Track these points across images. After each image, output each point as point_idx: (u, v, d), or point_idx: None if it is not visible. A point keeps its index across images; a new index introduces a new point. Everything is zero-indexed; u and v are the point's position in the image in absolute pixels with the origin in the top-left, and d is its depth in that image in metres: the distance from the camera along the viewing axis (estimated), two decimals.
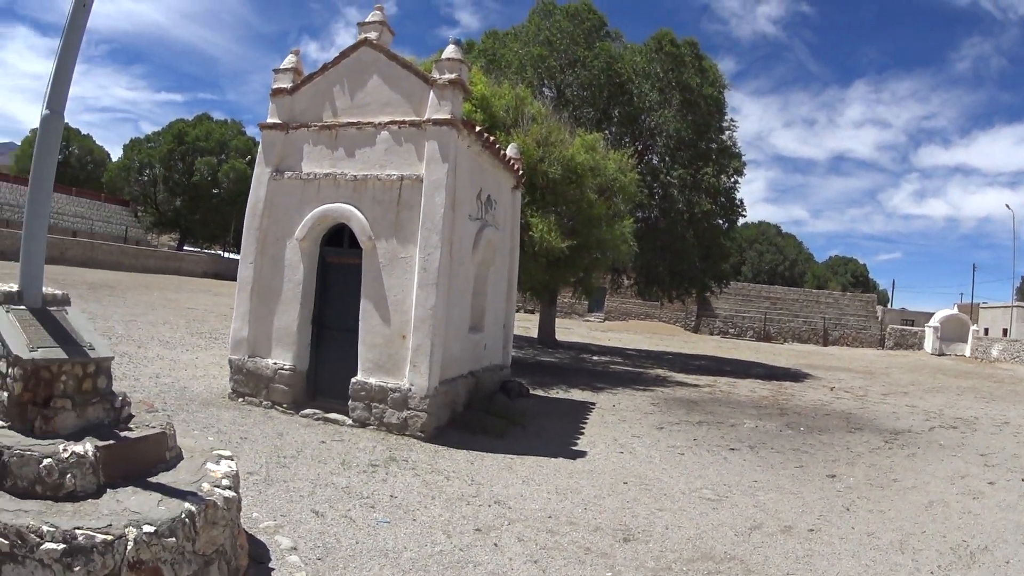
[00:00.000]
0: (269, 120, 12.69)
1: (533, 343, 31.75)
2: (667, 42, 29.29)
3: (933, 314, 58.36)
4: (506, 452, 10.90)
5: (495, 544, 6.92)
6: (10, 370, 5.18)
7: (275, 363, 12.04)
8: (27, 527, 4.32)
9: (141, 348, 16.57)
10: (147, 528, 4.56)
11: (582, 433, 13.15)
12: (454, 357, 12.32)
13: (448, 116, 11.29)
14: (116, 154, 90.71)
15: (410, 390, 11.05)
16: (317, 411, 11.71)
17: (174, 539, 4.69)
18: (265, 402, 12.00)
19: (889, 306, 74.92)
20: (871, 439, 14.53)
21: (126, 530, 4.48)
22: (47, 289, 5.90)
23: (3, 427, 5.14)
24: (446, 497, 8.29)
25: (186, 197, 74.42)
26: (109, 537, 4.40)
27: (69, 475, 4.80)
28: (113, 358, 5.91)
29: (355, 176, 11.71)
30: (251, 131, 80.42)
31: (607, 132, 29.05)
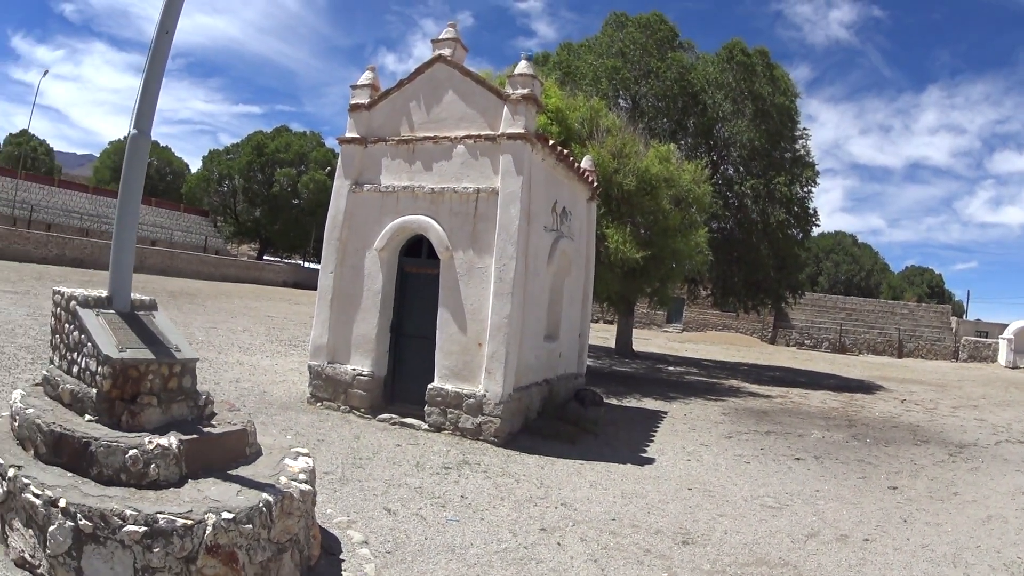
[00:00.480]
0: (348, 135, 13.11)
1: (611, 353, 31.87)
2: (738, 51, 29.25)
3: (1008, 325, 56.92)
4: (576, 458, 11.11)
5: (558, 543, 7.14)
6: (100, 368, 5.57)
7: (354, 369, 12.41)
8: (111, 510, 4.66)
9: (221, 354, 17.11)
10: (226, 515, 4.87)
11: (652, 441, 13.33)
12: (529, 365, 12.56)
13: (522, 130, 11.57)
14: (195, 165, 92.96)
15: (485, 396, 11.33)
16: (394, 416, 12.04)
17: (251, 526, 4.99)
18: (343, 407, 12.38)
19: (964, 317, 73.18)
20: (936, 452, 14.42)
21: (206, 516, 4.80)
22: (135, 295, 6.37)
23: (91, 420, 5.54)
24: (515, 499, 8.54)
25: (266, 208, 75.97)
26: (189, 522, 4.72)
27: (153, 465, 5.15)
28: (198, 359, 6.34)
29: (433, 189, 12.06)
30: (330, 143, 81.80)
31: (682, 143, 29.12)
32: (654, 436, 13.81)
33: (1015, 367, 50.89)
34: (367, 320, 12.48)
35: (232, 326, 23.43)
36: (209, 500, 5.02)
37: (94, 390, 5.63)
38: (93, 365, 5.67)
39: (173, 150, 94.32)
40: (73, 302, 6.06)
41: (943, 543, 8.29)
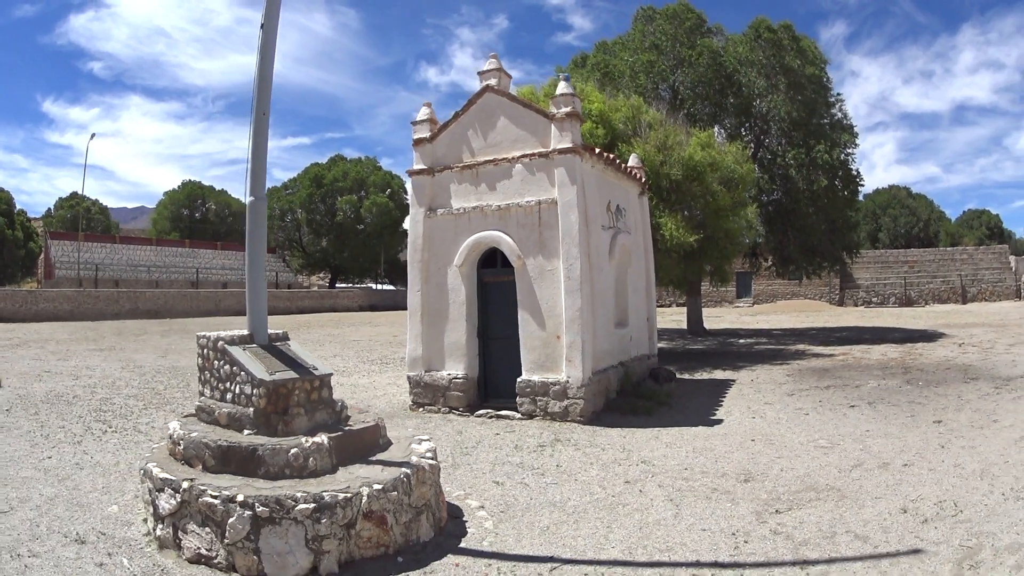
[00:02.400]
0: (416, 167, 14.66)
1: (683, 334, 33.12)
2: (764, 29, 30.05)
3: None
4: (653, 426, 12.51)
5: (640, 491, 8.53)
6: (255, 391, 6.96)
7: (449, 374, 13.94)
8: (285, 495, 5.95)
9: None
10: (376, 486, 6.35)
11: (720, 405, 14.64)
12: (604, 350, 14.00)
13: (570, 145, 13.00)
14: None
15: (568, 382, 12.78)
16: (489, 410, 13.56)
17: (396, 493, 6.50)
18: (443, 408, 13.91)
19: None
20: (983, 387, 15.40)
21: (360, 489, 6.26)
22: (270, 330, 7.97)
23: (250, 434, 6.90)
24: (602, 462, 9.98)
25: (331, 236, 77.82)
26: (348, 494, 6.14)
27: (311, 459, 6.59)
28: (332, 374, 7.94)
29: (499, 206, 13.55)
30: (386, 164, 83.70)
31: (725, 123, 30.23)
32: (722, 401, 15.12)
33: None
34: (456, 329, 13.97)
35: (322, 353, 25.10)
36: (360, 478, 6.50)
37: (251, 409, 7.00)
38: (248, 389, 7.05)
39: (229, 192, 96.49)
40: (221, 342, 7.42)
41: (974, 462, 9.36)
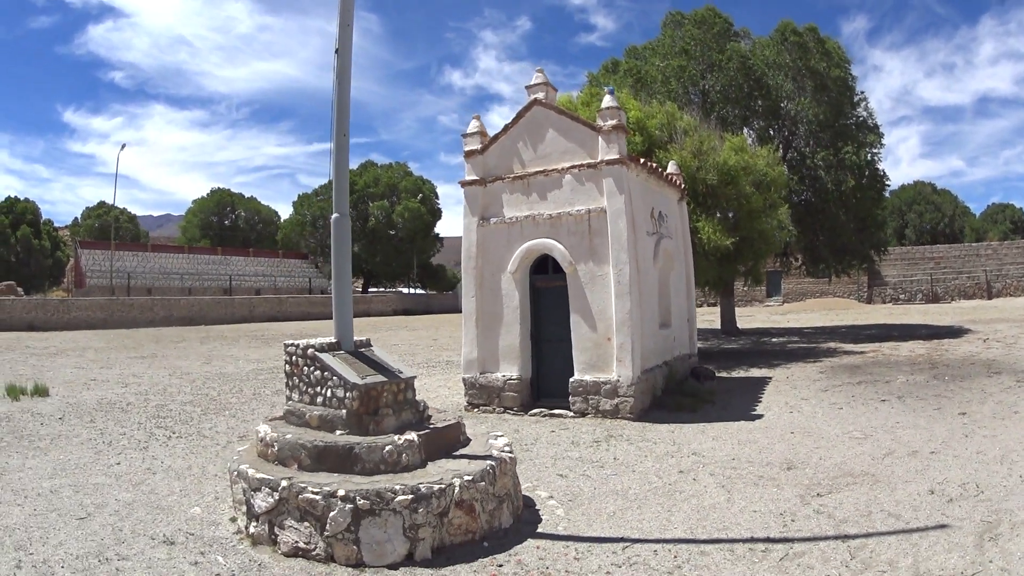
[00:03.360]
0: (468, 177, 15.35)
1: (717, 334, 33.68)
2: (790, 32, 30.66)
3: None
4: (699, 422, 13.27)
5: (693, 479, 9.28)
6: (347, 394, 7.48)
7: (503, 375, 14.63)
8: (385, 488, 6.47)
9: None
10: (466, 477, 6.94)
11: (759, 401, 15.37)
12: (650, 350, 14.68)
13: (617, 156, 13.69)
14: (281, 210, 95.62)
15: (618, 381, 13.47)
16: (543, 409, 14.25)
17: (483, 483, 7.09)
18: (498, 408, 14.59)
19: None
20: (1005, 381, 16.20)
21: (452, 480, 6.82)
22: (356, 337, 8.55)
23: (342, 434, 7.40)
24: (655, 455, 10.73)
25: (364, 242, 78.24)
26: (442, 485, 6.68)
27: (404, 455, 7.14)
28: (416, 377, 8.66)
29: (550, 215, 14.24)
30: (416, 170, 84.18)
31: (754, 125, 30.84)
32: (761, 398, 15.84)
33: None
34: (510, 332, 14.65)
35: None
36: (450, 471, 7.10)
37: (343, 411, 7.50)
38: (340, 392, 7.55)
39: (259, 199, 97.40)
40: (311, 349, 7.92)
41: (995, 449, 10.23)
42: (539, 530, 7.40)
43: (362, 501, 6.39)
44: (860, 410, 13.82)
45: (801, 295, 64.23)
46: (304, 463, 7.21)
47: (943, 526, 7.12)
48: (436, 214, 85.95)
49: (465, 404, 15.13)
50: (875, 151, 31.29)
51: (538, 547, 6.87)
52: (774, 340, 31.12)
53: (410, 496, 6.49)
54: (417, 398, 8.39)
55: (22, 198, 66.47)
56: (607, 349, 13.65)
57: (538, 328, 14.79)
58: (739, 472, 9.60)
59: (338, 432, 7.48)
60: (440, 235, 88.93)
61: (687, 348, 18.08)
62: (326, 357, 7.85)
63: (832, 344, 27.87)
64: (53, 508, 7.94)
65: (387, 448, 7.12)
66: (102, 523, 7.46)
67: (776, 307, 61.66)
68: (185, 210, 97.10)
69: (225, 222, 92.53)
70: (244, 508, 7.12)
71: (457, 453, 7.81)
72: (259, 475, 6.98)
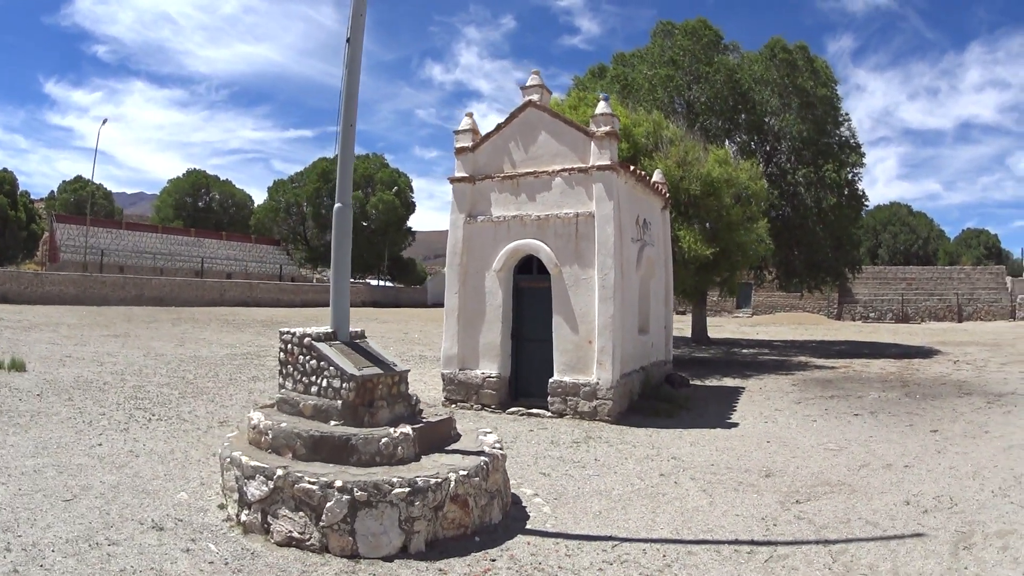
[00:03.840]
0: (457, 174, 15.39)
1: (688, 342, 33.86)
2: (779, 49, 31.05)
3: None
4: (676, 427, 13.46)
5: (675, 483, 9.50)
6: (344, 384, 7.52)
7: (482, 373, 14.70)
8: (383, 480, 6.52)
9: None
10: (462, 472, 7.02)
11: (734, 410, 15.66)
12: (629, 355, 14.80)
13: (608, 162, 13.82)
14: (254, 195, 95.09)
15: (598, 383, 13.60)
16: (520, 408, 14.35)
17: (477, 479, 7.19)
18: (475, 405, 14.66)
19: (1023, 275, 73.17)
20: (976, 401, 16.64)
21: (448, 474, 6.91)
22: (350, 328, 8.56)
23: (336, 425, 7.43)
24: (636, 457, 10.94)
25: None
26: (439, 479, 6.76)
27: (400, 447, 7.21)
28: (409, 371, 8.62)
29: (538, 216, 14.34)
30: (391, 162, 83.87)
31: (736, 138, 31.15)
32: (736, 407, 16.13)
33: None
34: (492, 330, 14.73)
35: None
36: (445, 465, 7.18)
37: (339, 402, 7.53)
38: (337, 383, 7.57)
39: (234, 182, 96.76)
40: (307, 338, 7.93)
41: (967, 465, 10.56)
42: (528, 527, 7.51)
43: (359, 492, 6.43)
44: (834, 423, 14.14)
45: (771, 308, 64.73)
46: (299, 452, 7.22)
47: (919, 535, 7.42)
48: (410, 207, 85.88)
49: (442, 400, 15.15)
50: (856, 171, 31.73)
51: (529, 543, 6.98)
52: (744, 351, 31.50)
53: (407, 489, 6.54)
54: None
55: (0, 168, 65.54)
56: (588, 352, 13.77)
57: (519, 327, 14.88)
58: (719, 477, 9.84)
59: (332, 423, 7.51)
60: (412, 229, 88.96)
61: (663, 355, 18.28)
62: (323, 347, 7.87)
63: (803, 358, 28.28)
64: (38, 488, 7.84)
65: (383, 440, 7.17)
66: (89, 506, 7.38)
67: (745, 318, 62.10)
68: (159, 189, 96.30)
69: (199, 204, 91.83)
70: (236, 496, 7.12)
71: (449, 448, 7.89)
72: (253, 463, 6.97)
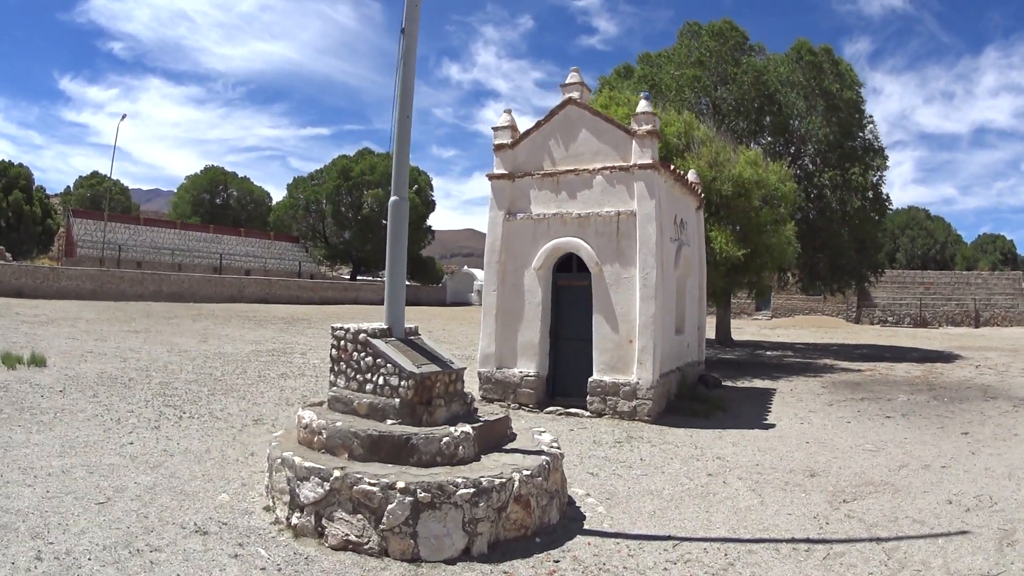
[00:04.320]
0: (496, 171, 15.39)
1: (712, 343, 33.66)
2: (805, 51, 31.05)
3: None
4: (714, 428, 13.48)
5: (724, 482, 9.55)
6: (402, 382, 7.35)
7: (520, 371, 14.70)
8: (447, 481, 6.36)
9: None
10: (525, 472, 6.92)
11: (769, 412, 15.68)
12: (667, 355, 14.79)
13: (650, 161, 13.81)
14: (272, 192, 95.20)
15: (638, 383, 13.58)
16: (558, 408, 14.32)
17: (540, 478, 7.10)
18: (512, 404, 14.62)
19: None
20: (1002, 405, 16.88)
21: (512, 475, 6.81)
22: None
23: (394, 423, 7.26)
24: (681, 457, 10.94)
25: (356, 229, 78.11)
26: (503, 480, 6.64)
27: (461, 447, 7.08)
28: (465, 368, 8.54)
29: (579, 214, 14.33)
30: (425, 160, 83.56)
31: (762, 140, 31.08)
32: (770, 408, 16.15)
33: None
34: (531, 329, 14.69)
35: None
36: (507, 465, 7.06)
37: (396, 400, 7.36)
38: (394, 380, 7.42)
39: (252, 179, 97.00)
40: (363, 334, 7.76)
41: (1001, 466, 10.85)
42: (585, 527, 7.46)
43: (423, 494, 6.28)
44: (867, 425, 14.23)
45: (790, 311, 64.56)
46: (356, 452, 7.05)
47: (965, 532, 7.65)
48: (430, 206, 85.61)
49: (479, 398, 14.94)
50: (880, 174, 31.67)
51: (589, 543, 6.93)
52: (768, 353, 31.51)
53: (472, 490, 6.43)
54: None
55: (15, 163, 65.72)
56: (628, 351, 13.76)
57: (557, 326, 14.86)
58: (765, 477, 9.91)
59: (389, 421, 7.36)
60: (432, 228, 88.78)
61: (696, 355, 18.28)
62: (380, 343, 7.73)
63: (827, 361, 28.27)
64: (68, 490, 7.54)
65: (444, 440, 7.05)
66: (125, 509, 7.10)
67: (765, 320, 61.96)
68: (175, 186, 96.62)
69: (216, 200, 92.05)
70: (286, 498, 6.92)
71: (507, 447, 7.82)
72: (307, 464, 6.79)
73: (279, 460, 7.12)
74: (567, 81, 15.01)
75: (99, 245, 56.93)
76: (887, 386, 20.14)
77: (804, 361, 27.96)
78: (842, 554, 6.87)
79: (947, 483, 9.77)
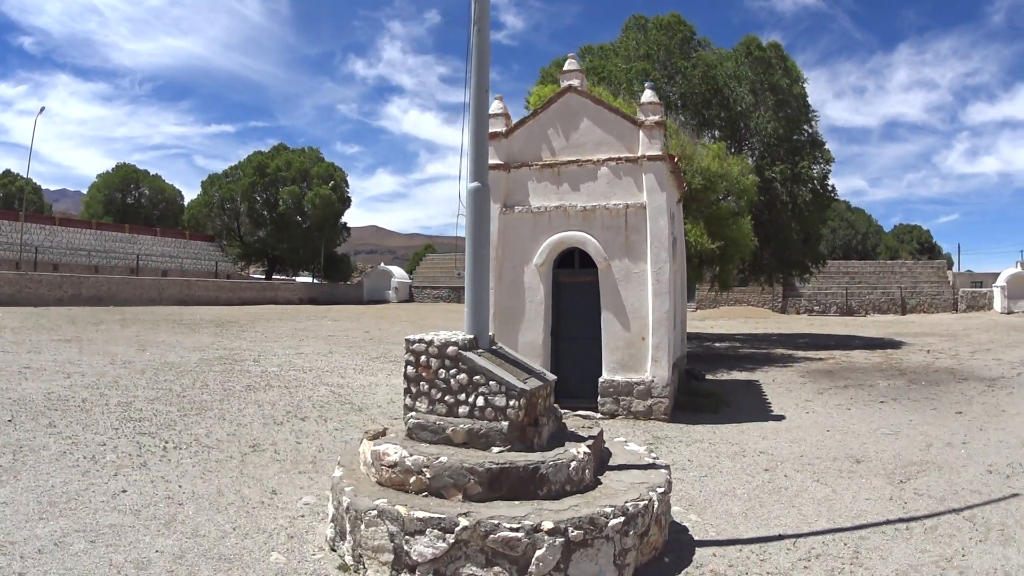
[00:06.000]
0: (490, 161, 14.53)
1: None
2: (755, 47, 31.17)
3: (999, 274, 60.12)
4: (728, 422, 13.36)
5: (785, 476, 9.55)
6: (511, 402, 6.45)
7: None
8: (596, 513, 5.63)
9: (345, 378, 17.69)
10: (659, 490, 6.38)
11: (769, 403, 15.72)
12: (674, 351, 14.34)
13: (659, 152, 13.42)
14: (183, 190, 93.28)
15: (652, 381, 13.16)
16: (566, 411, 13.68)
17: (670, 493, 6.69)
18: None
19: (956, 269, 75.38)
20: (976, 386, 18.00)
21: (650, 495, 6.20)
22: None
23: (502, 450, 6.36)
24: (725, 455, 10.74)
25: (272, 227, 76.67)
26: (644, 502, 6.04)
27: (585, 470, 6.39)
28: (556, 379, 7.90)
29: (584, 207, 13.79)
30: (329, 156, 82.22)
31: (710, 135, 30.98)
32: (767, 399, 16.21)
33: (1010, 312, 55.37)
34: (532, 329, 14.04)
35: (312, 349, 24.10)
36: (634, 485, 6.42)
37: (504, 423, 6.44)
38: (500, 401, 6.49)
39: (164, 177, 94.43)
40: (452, 347, 6.72)
41: (1012, 438, 11.99)
42: (696, 537, 7.02)
43: (574, 532, 5.48)
44: (866, 411, 14.67)
45: (714, 303, 65.12)
46: (472, 492, 6.03)
47: (1016, 494, 8.58)
48: (346, 202, 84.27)
49: None
50: (827, 167, 31.99)
51: (714, 554, 6.61)
52: (717, 345, 32.02)
53: (622, 519, 5.75)
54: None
55: None
56: (641, 349, 13.30)
57: (558, 325, 14.31)
58: (816, 467, 10.03)
59: (495, 449, 6.40)
60: (347, 224, 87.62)
61: (681, 350, 17.98)
62: (477, 358, 6.72)
63: (779, 351, 28.93)
64: (73, 574, 5.83)
65: (572, 465, 6.28)
66: None
67: (692, 312, 62.34)
68: (82, 185, 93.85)
69: (128, 200, 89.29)
70: (386, 556, 5.75)
71: (613, 464, 7.17)
72: (419, 514, 5.66)
73: (373, 512, 5.86)
74: (566, 68, 14.52)
75: (13, 247, 54.16)
76: (860, 373, 20.69)
77: (759, 352, 28.26)
78: (935, 528, 7.35)
79: (976, 457, 10.58)
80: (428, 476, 6.14)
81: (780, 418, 13.81)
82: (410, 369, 6.95)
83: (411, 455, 6.29)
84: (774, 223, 30.85)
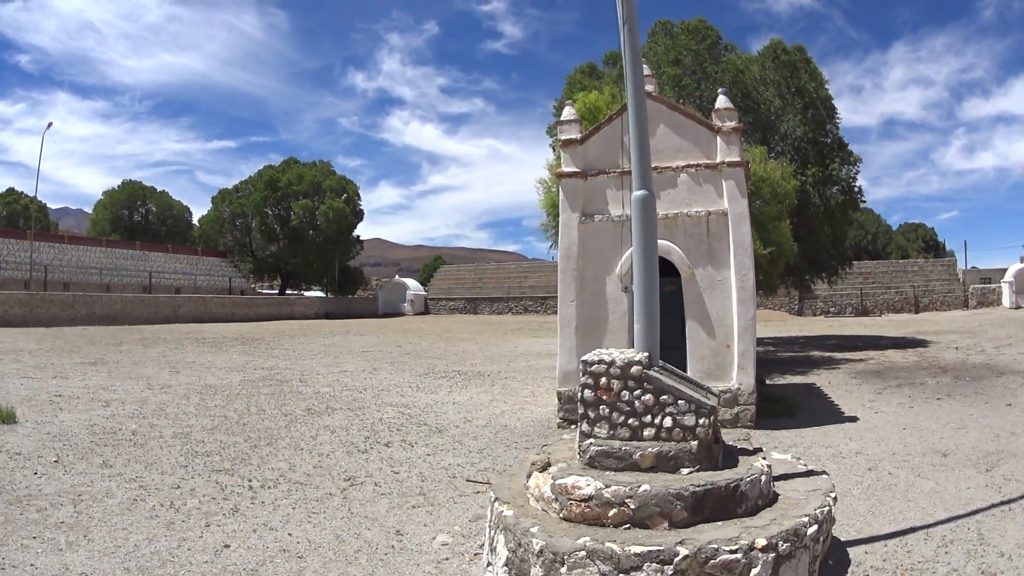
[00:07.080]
0: (566, 169, 14.59)
1: None
2: (780, 51, 31.21)
3: (1006, 270, 60.12)
4: (807, 426, 13.51)
5: (888, 473, 9.93)
6: (700, 420, 6.31)
7: None
8: (798, 524, 5.63)
9: (404, 396, 17.49)
10: (832, 496, 6.37)
11: (836, 405, 15.92)
12: None
13: (738, 159, 13.51)
14: (192, 206, 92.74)
15: (739, 389, 13.22)
16: None
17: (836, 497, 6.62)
18: None
19: (964, 266, 75.38)
20: (1015, 379, 18.35)
21: (827, 500, 6.23)
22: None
23: (690, 471, 6.20)
24: (825, 457, 11.00)
25: (285, 242, 76.42)
26: (825, 508, 6.06)
27: (771, 484, 6.45)
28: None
29: (665, 215, 13.69)
30: (340, 169, 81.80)
31: (742, 140, 31.08)
32: (833, 402, 16.34)
33: (1018, 307, 55.46)
34: (617, 341, 13.63)
35: (354, 366, 23.89)
36: (809, 492, 6.42)
37: (693, 443, 6.28)
38: (689, 420, 6.32)
39: (171, 193, 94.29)
40: (636, 367, 6.50)
41: None
42: (842, 538, 7.15)
43: (784, 545, 5.44)
44: (927, 408, 15.06)
45: None
46: (677, 518, 5.80)
47: None
48: (359, 215, 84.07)
49: (558, 420, 13.89)
50: (856, 169, 32.01)
51: (866, 552, 6.84)
52: (757, 349, 31.46)
53: (816, 526, 5.76)
54: None
55: None
56: (726, 356, 13.36)
57: None
58: (911, 463, 10.47)
59: (685, 471, 6.22)
60: (360, 237, 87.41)
61: None
62: (663, 377, 6.54)
63: (816, 353, 28.97)
64: None
65: (763, 479, 6.24)
66: None
67: None
68: (83, 203, 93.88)
69: (135, 216, 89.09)
70: None
71: (775, 473, 7.03)
72: (636, 548, 5.32)
73: (580, 553, 5.42)
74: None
75: (22, 266, 53.69)
76: (905, 372, 20.86)
77: (801, 355, 28.34)
78: None
79: None
80: (632, 507, 5.86)
81: (854, 419, 14.00)
82: (588, 393, 6.65)
83: (608, 486, 5.97)
84: (804, 226, 30.86)
